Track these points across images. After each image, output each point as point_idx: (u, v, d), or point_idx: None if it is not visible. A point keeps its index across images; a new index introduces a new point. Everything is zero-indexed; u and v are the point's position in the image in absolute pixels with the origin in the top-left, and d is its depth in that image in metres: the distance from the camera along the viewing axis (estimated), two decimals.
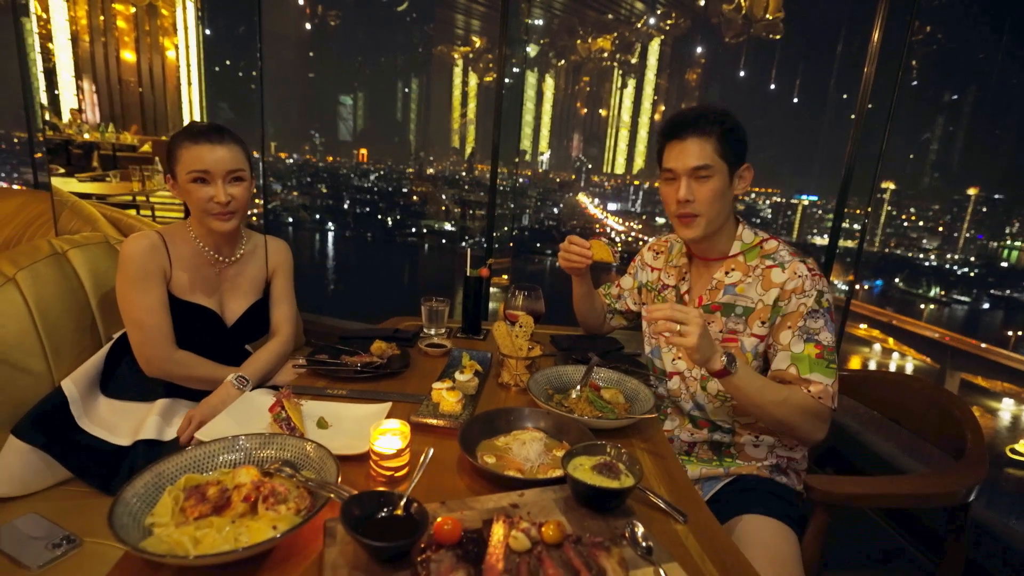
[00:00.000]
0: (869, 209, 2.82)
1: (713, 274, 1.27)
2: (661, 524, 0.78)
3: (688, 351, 1.01)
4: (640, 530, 0.67)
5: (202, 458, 0.79)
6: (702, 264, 1.31)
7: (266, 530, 0.65)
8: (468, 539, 0.65)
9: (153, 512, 0.68)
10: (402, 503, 0.67)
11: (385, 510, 0.67)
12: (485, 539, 0.66)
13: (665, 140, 1.22)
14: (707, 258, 1.29)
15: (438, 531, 0.65)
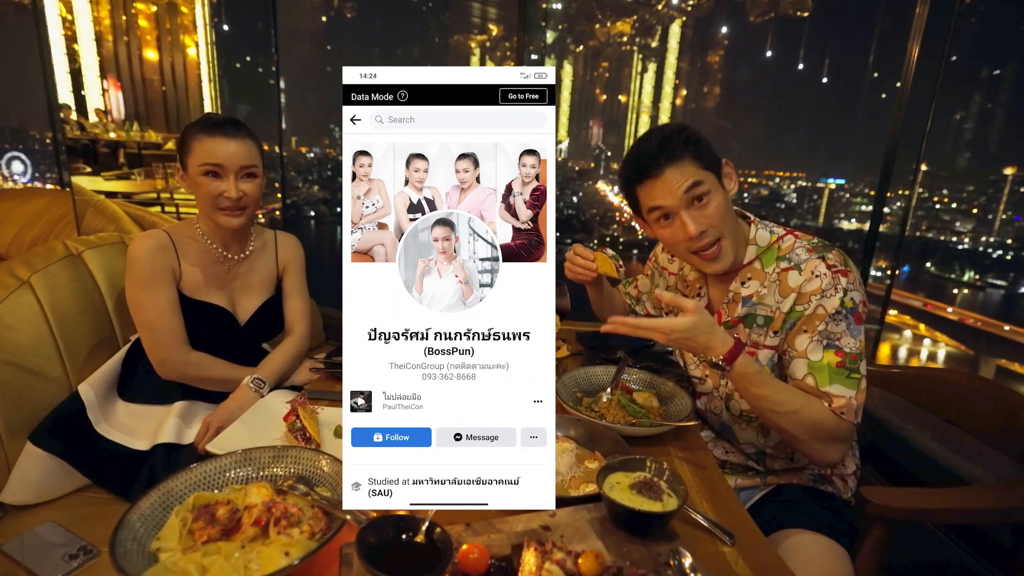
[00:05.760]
0: (907, 192, 2.67)
1: (729, 286, 1.13)
2: (706, 546, 0.72)
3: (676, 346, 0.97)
4: (688, 560, 0.61)
5: (212, 474, 0.74)
6: (718, 277, 1.17)
7: (278, 557, 0.60)
8: (496, 569, 0.60)
9: (159, 536, 0.64)
10: (424, 528, 0.61)
11: (405, 536, 0.61)
12: (515, 568, 0.60)
13: (635, 184, 1.06)
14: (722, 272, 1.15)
15: (463, 560, 0.59)
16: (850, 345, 0.98)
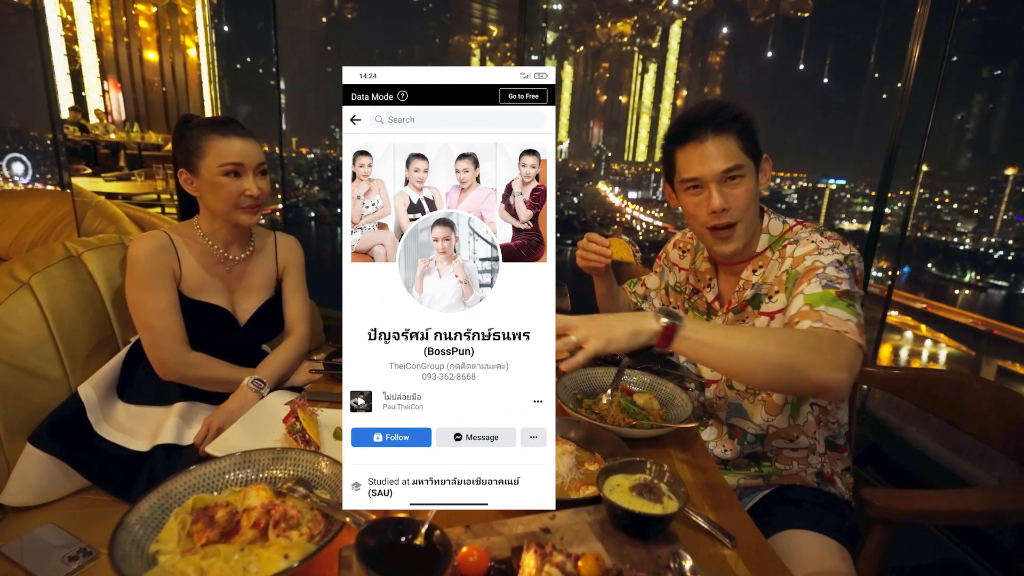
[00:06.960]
0: (908, 193, 2.66)
1: (740, 275, 1.14)
2: (707, 548, 0.71)
3: (608, 349, 0.78)
4: (688, 563, 0.60)
5: (211, 476, 0.74)
6: (728, 267, 1.19)
7: (277, 560, 0.60)
8: (495, 571, 0.59)
9: (158, 538, 0.64)
10: (423, 530, 0.61)
11: (404, 538, 0.61)
12: (514, 570, 0.60)
13: (677, 145, 1.06)
14: (732, 263, 1.16)
15: (463, 563, 0.59)
16: (849, 288, 0.93)
